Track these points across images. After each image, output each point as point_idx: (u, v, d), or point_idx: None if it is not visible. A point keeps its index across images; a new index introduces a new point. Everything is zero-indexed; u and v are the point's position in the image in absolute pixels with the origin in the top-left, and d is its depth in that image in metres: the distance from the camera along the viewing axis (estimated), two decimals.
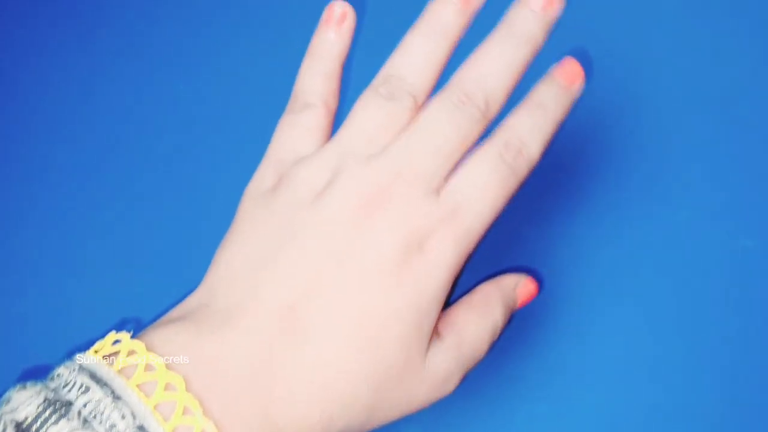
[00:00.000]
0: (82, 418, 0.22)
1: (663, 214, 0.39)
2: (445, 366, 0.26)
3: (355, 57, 0.30)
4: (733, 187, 0.39)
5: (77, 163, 0.43)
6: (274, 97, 0.43)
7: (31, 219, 0.42)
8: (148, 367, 0.23)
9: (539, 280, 0.31)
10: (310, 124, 0.29)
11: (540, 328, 0.37)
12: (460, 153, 0.27)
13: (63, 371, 0.23)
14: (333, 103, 0.29)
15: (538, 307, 0.37)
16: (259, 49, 0.45)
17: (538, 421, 0.35)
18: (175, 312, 0.26)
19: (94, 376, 0.23)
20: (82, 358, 0.24)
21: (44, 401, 0.22)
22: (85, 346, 0.36)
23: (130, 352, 0.24)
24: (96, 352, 0.25)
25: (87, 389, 0.22)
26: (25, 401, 0.22)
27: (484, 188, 0.26)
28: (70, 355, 0.25)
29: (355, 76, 0.30)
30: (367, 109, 0.27)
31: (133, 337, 0.25)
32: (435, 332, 0.26)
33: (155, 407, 0.22)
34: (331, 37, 0.30)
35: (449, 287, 0.26)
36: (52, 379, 0.23)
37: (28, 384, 0.23)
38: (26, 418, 0.22)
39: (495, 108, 0.27)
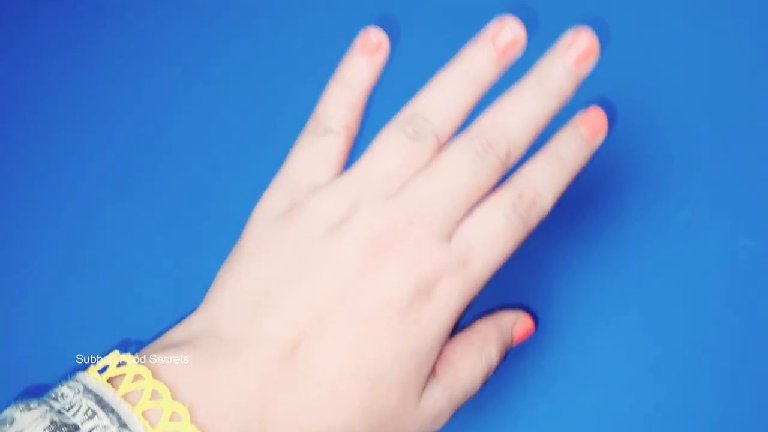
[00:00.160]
0: None
1: (663, 214, 0.39)
2: (438, 404, 0.27)
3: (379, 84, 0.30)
4: (733, 187, 0.39)
5: (77, 163, 0.43)
6: (275, 99, 0.44)
7: (31, 219, 0.42)
8: (154, 394, 0.23)
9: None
10: (330, 149, 0.28)
11: (540, 328, 0.37)
12: (475, 199, 0.26)
13: (67, 392, 0.23)
14: (354, 130, 0.29)
15: (538, 306, 0.37)
16: (260, 50, 0.45)
17: (539, 421, 0.35)
18: (177, 333, 0.26)
19: (100, 401, 0.23)
20: (85, 379, 0.24)
21: (51, 424, 0.22)
22: (83, 349, 0.36)
23: (136, 377, 0.24)
24: (99, 371, 0.25)
25: (93, 414, 0.22)
26: (31, 423, 0.22)
27: (495, 237, 0.26)
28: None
29: (374, 101, 0.30)
30: (389, 145, 0.27)
31: (133, 352, 0.25)
32: (431, 370, 0.27)
33: None
34: (362, 66, 0.29)
35: (451, 330, 0.27)
36: (56, 399, 0.23)
37: (32, 404, 0.23)
38: None
39: (515, 158, 0.27)
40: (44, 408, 0.23)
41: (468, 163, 0.26)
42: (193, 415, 0.23)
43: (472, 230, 0.26)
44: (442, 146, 0.27)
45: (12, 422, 0.23)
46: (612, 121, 0.29)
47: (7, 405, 0.24)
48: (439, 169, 0.26)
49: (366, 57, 0.29)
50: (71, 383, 0.24)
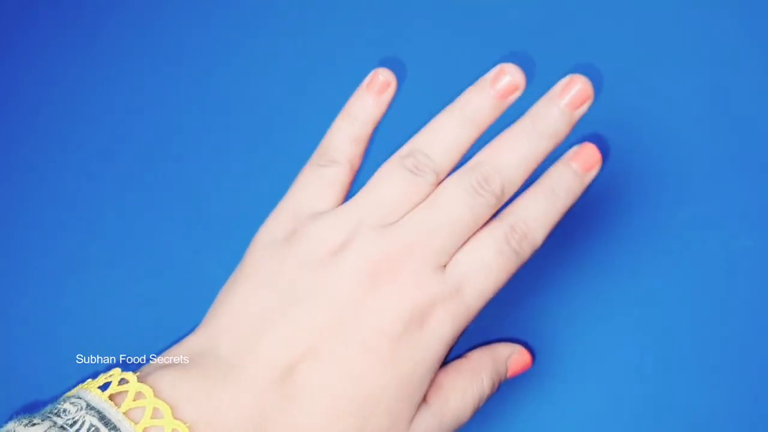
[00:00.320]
0: None
1: (662, 214, 0.39)
2: (428, 431, 0.27)
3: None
4: (733, 187, 0.39)
5: (77, 164, 0.43)
6: (278, 102, 0.44)
7: (32, 219, 0.42)
8: (155, 412, 0.24)
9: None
10: (333, 180, 0.30)
11: (540, 328, 0.37)
12: (471, 232, 0.28)
13: (69, 407, 0.24)
14: (357, 164, 0.31)
15: (539, 304, 0.37)
16: (262, 52, 0.45)
17: (539, 421, 0.35)
18: (178, 352, 0.27)
19: (103, 418, 0.23)
20: (87, 395, 0.24)
21: None
22: (83, 349, 0.36)
23: (137, 395, 0.24)
24: (100, 388, 0.25)
25: (96, 430, 0.23)
26: None
27: (488, 269, 0.27)
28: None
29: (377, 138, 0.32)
30: (391, 178, 0.28)
31: (132, 370, 0.25)
32: (423, 397, 0.27)
33: None
34: (369, 103, 0.31)
35: (444, 359, 0.28)
36: (58, 414, 0.24)
37: (35, 419, 0.23)
38: None
39: (509, 193, 0.28)
40: (48, 423, 0.23)
41: (464, 198, 0.27)
42: None
43: (466, 261, 0.27)
44: (440, 181, 0.28)
45: None
46: (607, 152, 0.30)
47: (9, 416, 0.24)
48: (437, 203, 0.28)
49: (373, 95, 0.30)
50: (73, 399, 0.24)
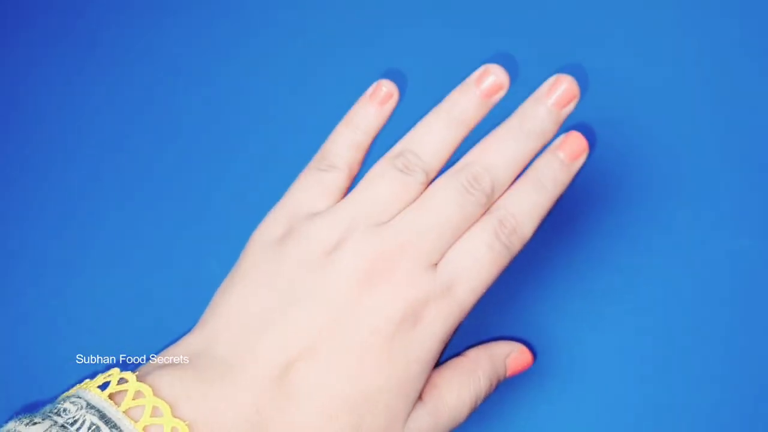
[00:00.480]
0: None
1: (662, 214, 0.39)
2: (423, 429, 0.27)
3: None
4: (733, 187, 0.39)
5: (78, 164, 0.43)
6: (278, 102, 0.44)
7: (32, 219, 0.42)
8: (155, 411, 0.24)
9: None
10: (331, 184, 0.30)
11: (540, 328, 0.37)
12: (462, 230, 0.28)
13: (69, 407, 0.24)
14: (356, 170, 0.31)
15: (538, 304, 0.37)
16: (262, 53, 0.45)
17: (538, 421, 0.35)
18: (175, 352, 0.27)
19: (103, 416, 0.24)
20: (87, 395, 0.25)
21: None
22: (83, 349, 0.36)
23: (137, 394, 0.25)
24: (99, 387, 0.25)
25: (97, 429, 0.23)
26: None
27: (479, 264, 0.28)
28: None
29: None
30: (383, 177, 0.29)
31: (131, 370, 0.26)
32: (418, 395, 0.28)
33: None
34: (371, 112, 0.31)
35: (439, 355, 0.28)
36: (58, 413, 0.24)
37: (36, 418, 0.24)
38: None
39: (498, 193, 0.29)
40: (48, 422, 0.23)
41: (454, 197, 0.28)
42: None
43: (457, 258, 0.28)
44: (430, 181, 0.29)
45: None
46: (594, 138, 0.30)
47: (9, 416, 0.24)
48: (428, 202, 0.28)
49: (376, 105, 0.31)
50: (73, 399, 0.24)
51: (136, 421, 0.24)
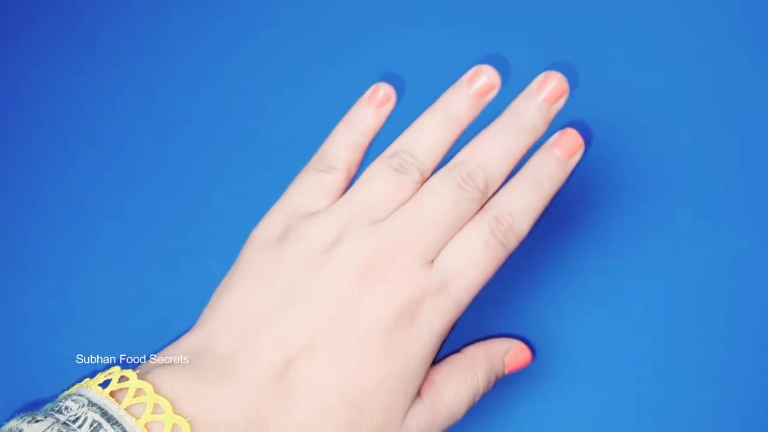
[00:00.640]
0: None
1: (662, 214, 0.39)
2: (421, 426, 0.28)
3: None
4: (733, 187, 0.39)
5: (78, 164, 0.43)
6: (277, 102, 0.44)
7: (32, 219, 0.42)
8: (156, 408, 0.24)
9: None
10: (330, 184, 0.31)
11: (540, 327, 0.37)
12: (457, 227, 0.28)
13: (71, 404, 0.24)
14: (354, 171, 0.32)
15: (538, 303, 0.37)
16: (262, 53, 0.45)
17: (538, 421, 0.35)
18: (175, 351, 0.27)
19: (105, 414, 0.24)
20: (88, 392, 0.25)
21: None
22: (83, 349, 0.36)
23: (138, 391, 0.25)
24: (100, 386, 0.25)
25: (99, 426, 0.23)
26: None
27: (475, 262, 0.28)
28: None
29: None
30: (378, 177, 0.29)
31: (132, 369, 0.26)
32: (417, 392, 0.28)
33: None
34: (369, 114, 0.32)
35: (437, 352, 0.28)
36: (60, 411, 0.24)
37: (38, 416, 0.24)
38: None
39: (492, 189, 0.29)
40: (50, 420, 0.23)
41: (449, 194, 0.28)
42: (193, 429, 0.24)
43: (452, 255, 0.28)
44: (425, 179, 0.29)
45: None
46: (590, 136, 0.30)
47: (9, 416, 0.24)
48: (423, 200, 0.28)
49: (374, 107, 0.32)
50: (75, 396, 0.25)
51: (137, 418, 0.24)
